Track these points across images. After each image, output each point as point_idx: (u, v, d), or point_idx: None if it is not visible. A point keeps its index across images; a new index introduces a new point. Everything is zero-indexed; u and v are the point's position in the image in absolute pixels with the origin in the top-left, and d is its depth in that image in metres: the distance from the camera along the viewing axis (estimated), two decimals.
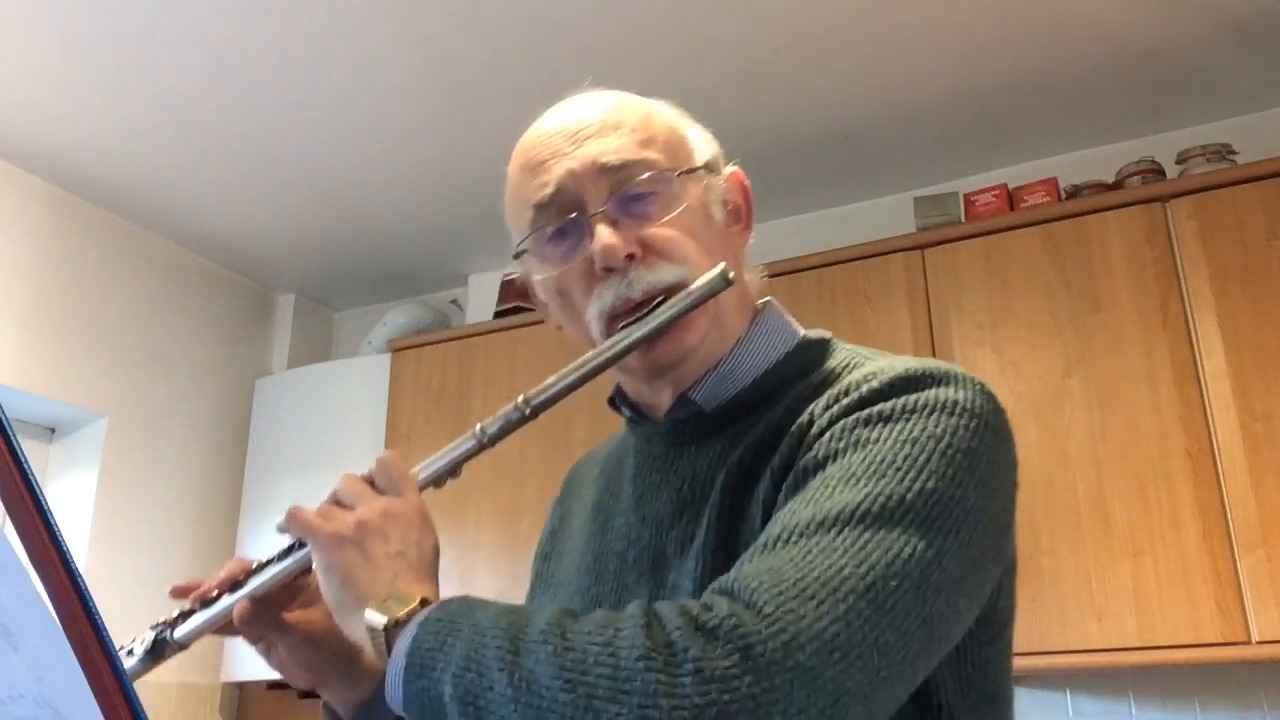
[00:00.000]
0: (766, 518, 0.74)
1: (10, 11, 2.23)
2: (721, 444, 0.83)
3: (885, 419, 0.73)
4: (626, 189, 0.83)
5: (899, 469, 0.69)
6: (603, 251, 0.81)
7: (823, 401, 0.78)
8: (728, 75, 2.47)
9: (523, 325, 3.00)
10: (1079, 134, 2.76)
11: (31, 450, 2.96)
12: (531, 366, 2.91)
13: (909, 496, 0.67)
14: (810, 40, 2.37)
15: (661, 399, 0.89)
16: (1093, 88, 2.55)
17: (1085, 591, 2.19)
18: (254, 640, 0.86)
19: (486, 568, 2.83)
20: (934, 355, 2.44)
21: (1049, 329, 2.39)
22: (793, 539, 0.66)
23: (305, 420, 3.24)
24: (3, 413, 0.50)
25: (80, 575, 0.48)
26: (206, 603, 0.84)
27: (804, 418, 0.77)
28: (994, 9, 2.27)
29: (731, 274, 0.81)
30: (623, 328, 0.82)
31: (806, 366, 0.86)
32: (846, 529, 0.65)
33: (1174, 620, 2.10)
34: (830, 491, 0.68)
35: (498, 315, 3.13)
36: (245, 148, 2.76)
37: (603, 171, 0.83)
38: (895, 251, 2.61)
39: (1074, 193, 2.55)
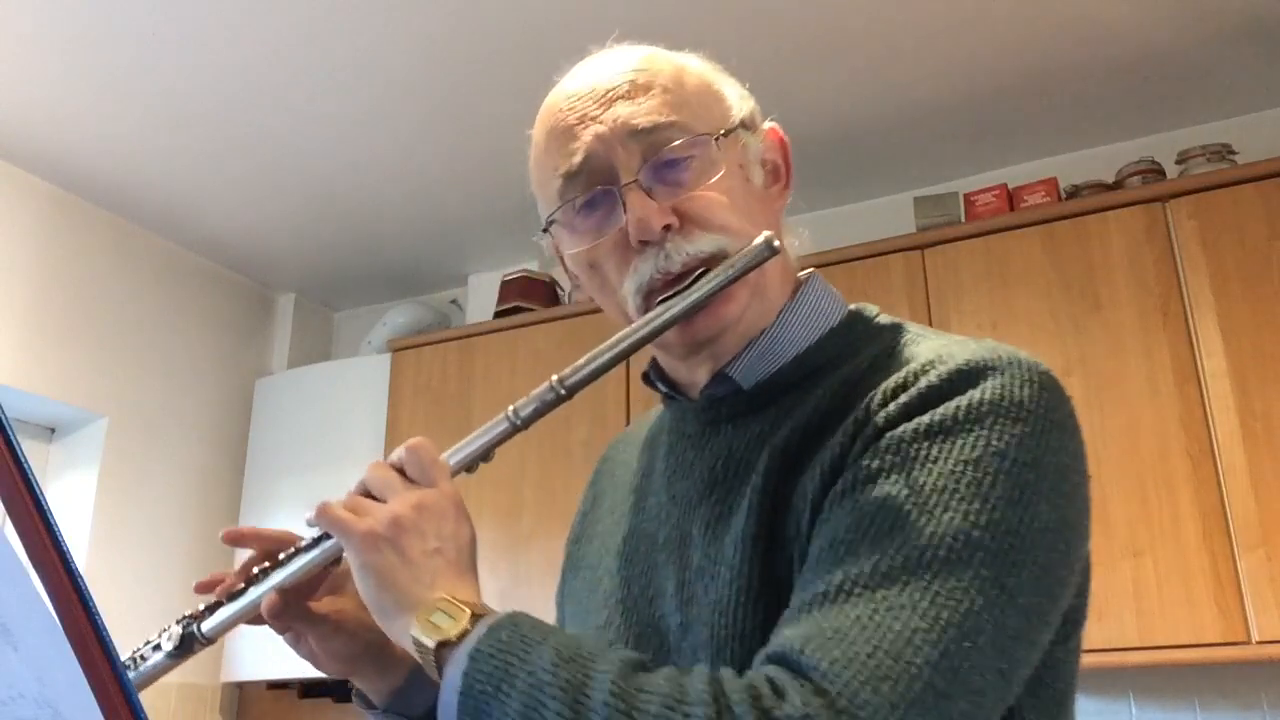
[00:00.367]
0: (813, 516, 0.70)
1: (10, 12, 2.23)
2: (760, 424, 0.79)
3: (945, 431, 0.68)
4: (660, 155, 0.78)
5: (962, 498, 0.65)
6: (638, 224, 0.77)
7: (879, 395, 0.72)
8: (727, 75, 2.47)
9: (523, 325, 3.00)
10: (1079, 134, 2.76)
11: (31, 450, 2.96)
12: (531, 366, 2.90)
13: (975, 534, 0.63)
14: (810, 41, 2.37)
15: (698, 375, 0.84)
16: (1093, 88, 2.55)
17: None
18: (282, 631, 0.83)
19: (486, 568, 2.77)
20: None
21: (1049, 329, 2.39)
22: (855, 592, 0.62)
23: (305, 420, 3.24)
24: (3, 413, 0.50)
25: (80, 575, 0.48)
26: (233, 596, 0.81)
27: (859, 412, 0.72)
28: (994, 10, 2.27)
29: (777, 242, 0.77)
30: (660, 302, 0.78)
31: (854, 344, 0.81)
32: (914, 581, 0.62)
33: (1174, 620, 2.10)
34: (890, 526, 0.65)
35: (498, 315, 3.12)
36: (245, 148, 2.76)
37: (633, 135, 0.78)
38: (895, 251, 2.60)
39: (1074, 193, 2.55)
